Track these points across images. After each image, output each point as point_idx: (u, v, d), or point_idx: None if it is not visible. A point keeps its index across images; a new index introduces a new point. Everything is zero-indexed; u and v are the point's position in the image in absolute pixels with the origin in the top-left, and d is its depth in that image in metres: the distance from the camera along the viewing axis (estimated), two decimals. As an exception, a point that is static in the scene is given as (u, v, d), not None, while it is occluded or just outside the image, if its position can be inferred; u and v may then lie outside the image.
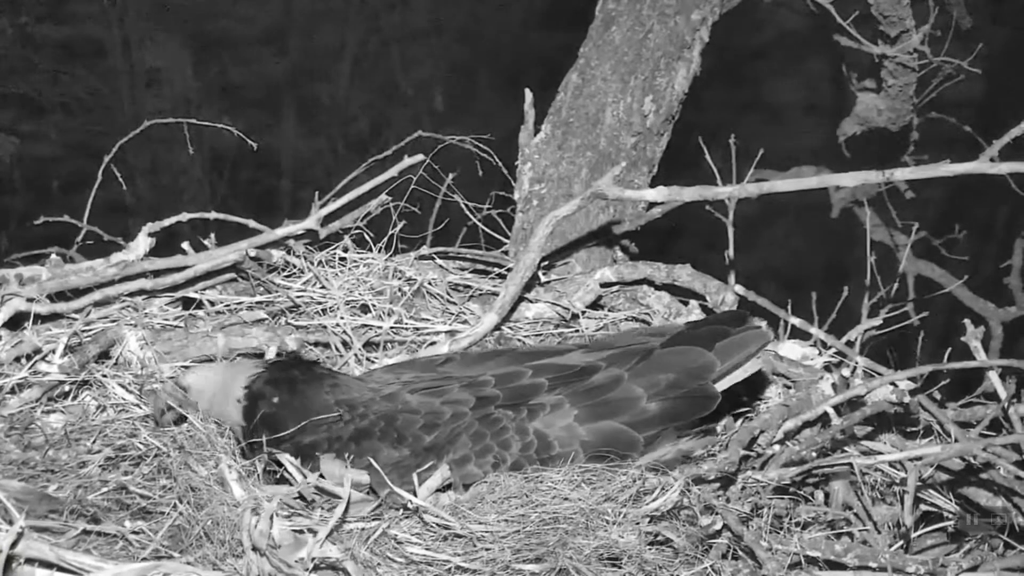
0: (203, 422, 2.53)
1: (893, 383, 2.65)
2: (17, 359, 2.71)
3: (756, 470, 2.43)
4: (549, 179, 3.55)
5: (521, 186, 3.57)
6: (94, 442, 2.53)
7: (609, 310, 3.24)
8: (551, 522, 2.21)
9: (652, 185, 3.65)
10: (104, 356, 2.81)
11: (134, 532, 2.19)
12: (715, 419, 2.59)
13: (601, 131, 3.58)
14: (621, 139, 3.59)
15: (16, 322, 2.83)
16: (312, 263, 3.12)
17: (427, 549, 2.17)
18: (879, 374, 2.78)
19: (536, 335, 3.12)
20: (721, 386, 2.47)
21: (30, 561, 2.02)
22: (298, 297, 3.05)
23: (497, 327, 3.00)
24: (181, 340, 2.92)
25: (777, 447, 2.50)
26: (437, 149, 3.40)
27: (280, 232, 3.09)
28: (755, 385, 2.61)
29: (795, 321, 3.01)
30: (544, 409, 2.43)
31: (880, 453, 2.56)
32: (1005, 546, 2.50)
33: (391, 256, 3.20)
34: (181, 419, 2.55)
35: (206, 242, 3.16)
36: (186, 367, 2.79)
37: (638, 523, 2.22)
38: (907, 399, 2.44)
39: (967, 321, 2.67)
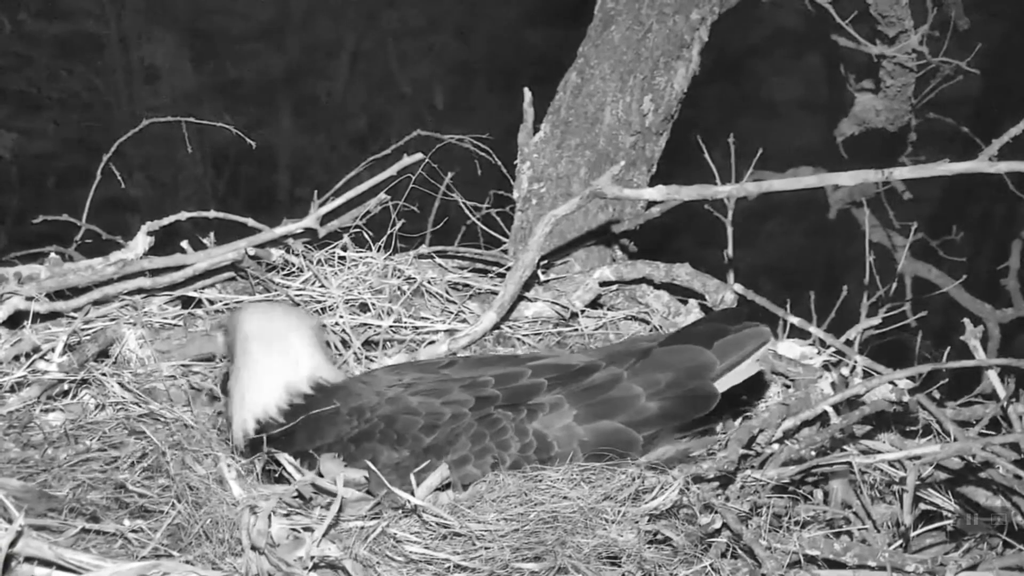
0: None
1: (892, 382, 2.65)
2: (16, 357, 2.71)
3: (755, 469, 2.43)
4: (548, 178, 3.55)
5: (520, 185, 3.57)
6: (93, 441, 2.53)
7: (608, 309, 3.24)
8: (550, 521, 2.21)
9: (651, 184, 3.65)
10: (103, 355, 2.81)
11: (133, 531, 2.18)
12: (714, 418, 2.60)
13: (600, 130, 3.58)
14: (620, 138, 3.59)
15: (15, 320, 2.82)
16: (311, 262, 3.12)
17: (426, 548, 2.17)
18: (878, 373, 2.78)
19: (535, 334, 3.12)
20: (721, 387, 2.48)
21: (29, 560, 2.02)
22: (297, 296, 3.05)
23: (496, 326, 3.00)
24: (180, 339, 2.92)
25: (776, 446, 2.50)
26: (436, 148, 3.40)
27: (279, 231, 3.09)
28: (754, 384, 2.61)
29: (794, 320, 3.01)
30: (543, 409, 2.42)
31: (879, 452, 2.56)
32: (1004, 545, 2.51)
33: (390, 255, 3.20)
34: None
35: (205, 241, 3.16)
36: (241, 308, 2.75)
37: (637, 522, 2.22)
38: (906, 398, 2.44)
39: (966, 320, 2.68)
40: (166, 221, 3.12)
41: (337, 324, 2.97)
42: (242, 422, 2.51)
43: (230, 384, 2.59)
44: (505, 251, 3.50)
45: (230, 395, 2.58)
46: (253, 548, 2.07)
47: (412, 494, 2.23)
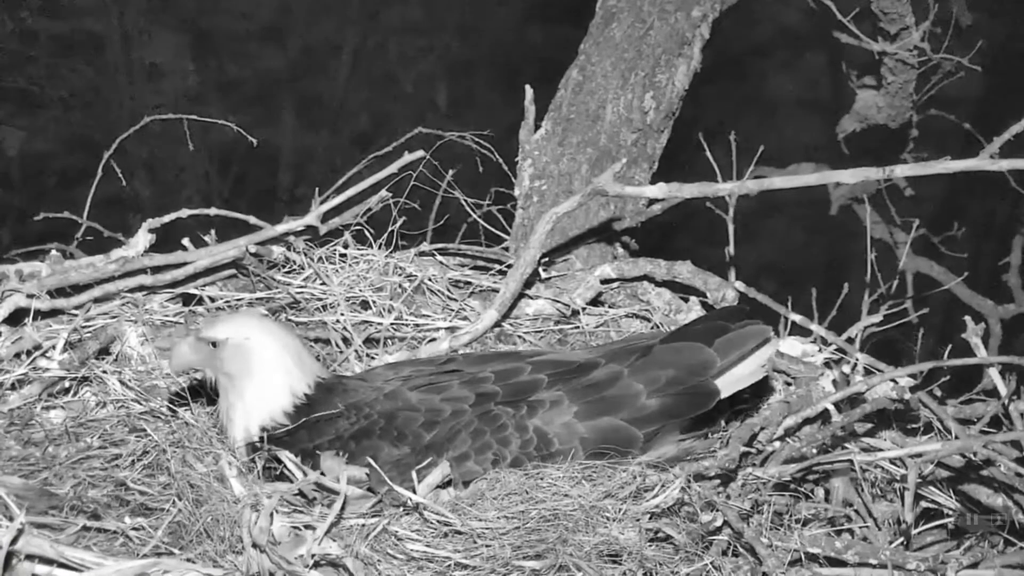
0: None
1: (893, 380, 2.65)
2: (17, 355, 2.71)
3: (756, 467, 2.43)
4: (549, 175, 3.55)
5: (521, 182, 3.57)
6: (94, 438, 2.53)
7: (609, 306, 3.23)
8: (551, 519, 2.21)
9: (652, 181, 3.65)
10: (104, 352, 2.81)
11: (134, 528, 2.19)
12: (715, 415, 2.59)
13: (601, 127, 3.58)
14: (621, 135, 3.59)
15: (16, 318, 2.82)
16: (312, 259, 3.12)
17: (427, 546, 2.17)
18: (879, 371, 2.78)
19: (537, 331, 3.12)
20: (726, 390, 2.47)
21: (30, 557, 2.02)
22: (298, 293, 3.05)
23: (497, 323, 3.00)
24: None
25: (777, 444, 2.51)
26: (437, 145, 3.39)
27: (281, 228, 3.08)
28: (756, 383, 2.60)
29: (795, 318, 3.01)
30: (543, 406, 2.42)
31: (880, 450, 2.56)
32: (1005, 543, 2.51)
33: (391, 252, 3.20)
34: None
35: (206, 238, 3.16)
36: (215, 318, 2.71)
37: (638, 520, 2.22)
38: (907, 396, 2.45)
39: (967, 318, 2.68)
40: (167, 218, 3.12)
41: (338, 322, 2.97)
42: (244, 430, 2.49)
43: (223, 395, 2.54)
44: (506, 248, 3.49)
45: (226, 405, 2.53)
46: (254, 546, 2.07)
47: (413, 491, 2.23)
